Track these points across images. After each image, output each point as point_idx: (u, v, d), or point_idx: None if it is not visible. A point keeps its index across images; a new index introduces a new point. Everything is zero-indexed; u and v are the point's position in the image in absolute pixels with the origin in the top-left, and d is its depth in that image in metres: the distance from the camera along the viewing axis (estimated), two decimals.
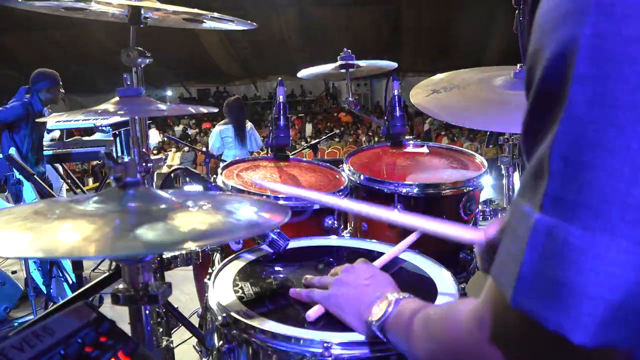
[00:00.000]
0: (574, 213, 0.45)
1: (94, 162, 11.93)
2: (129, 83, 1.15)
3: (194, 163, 12.50)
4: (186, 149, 12.41)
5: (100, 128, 5.11)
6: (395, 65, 2.09)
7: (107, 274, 0.99)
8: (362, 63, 2.05)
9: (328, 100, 20.98)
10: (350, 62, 1.99)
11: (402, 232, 1.64)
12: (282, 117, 1.75)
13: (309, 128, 17.79)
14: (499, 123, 1.80)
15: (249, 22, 1.42)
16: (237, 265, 1.27)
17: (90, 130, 8.60)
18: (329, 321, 1.01)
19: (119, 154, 5.43)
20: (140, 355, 0.80)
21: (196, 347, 2.17)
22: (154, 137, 5.95)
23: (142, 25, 1.46)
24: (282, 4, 14.60)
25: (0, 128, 4.60)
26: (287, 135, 1.75)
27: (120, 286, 0.93)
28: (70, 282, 3.94)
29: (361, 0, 14.46)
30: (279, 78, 1.77)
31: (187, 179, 1.69)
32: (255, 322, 0.99)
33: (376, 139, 14.33)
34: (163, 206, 0.85)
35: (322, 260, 1.33)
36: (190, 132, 17.43)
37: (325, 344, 0.92)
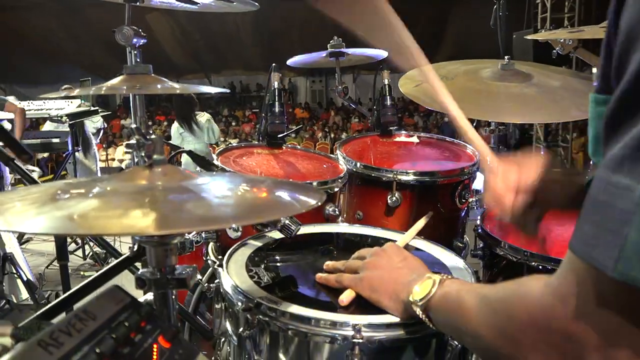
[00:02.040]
0: None
1: (40, 155, 11.38)
2: (138, 60, 1.09)
3: None
4: None
5: (55, 118, 4.87)
6: (386, 54, 2.09)
7: (125, 256, 0.93)
8: (351, 51, 2.03)
9: (284, 96, 20.84)
10: (341, 50, 1.98)
11: (399, 220, 1.65)
12: (277, 103, 1.71)
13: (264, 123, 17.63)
14: (488, 112, 1.84)
15: (251, 2, 1.37)
16: (246, 252, 1.23)
17: (37, 122, 8.19)
18: (357, 305, 1.00)
19: (74, 146, 5.20)
20: (179, 341, 0.76)
21: None
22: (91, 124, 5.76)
23: (137, 3, 1.40)
24: None
25: None
26: (282, 122, 1.71)
27: (144, 269, 0.88)
28: (25, 279, 3.74)
29: None
30: (273, 64, 1.74)
31: None
32: (281, 306, 0.96)
33: (332, 135, 14.36)
34: (197, 184, 0.81)
35: (329, 246, 1.32)
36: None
37: (355, 326, 0.91)
